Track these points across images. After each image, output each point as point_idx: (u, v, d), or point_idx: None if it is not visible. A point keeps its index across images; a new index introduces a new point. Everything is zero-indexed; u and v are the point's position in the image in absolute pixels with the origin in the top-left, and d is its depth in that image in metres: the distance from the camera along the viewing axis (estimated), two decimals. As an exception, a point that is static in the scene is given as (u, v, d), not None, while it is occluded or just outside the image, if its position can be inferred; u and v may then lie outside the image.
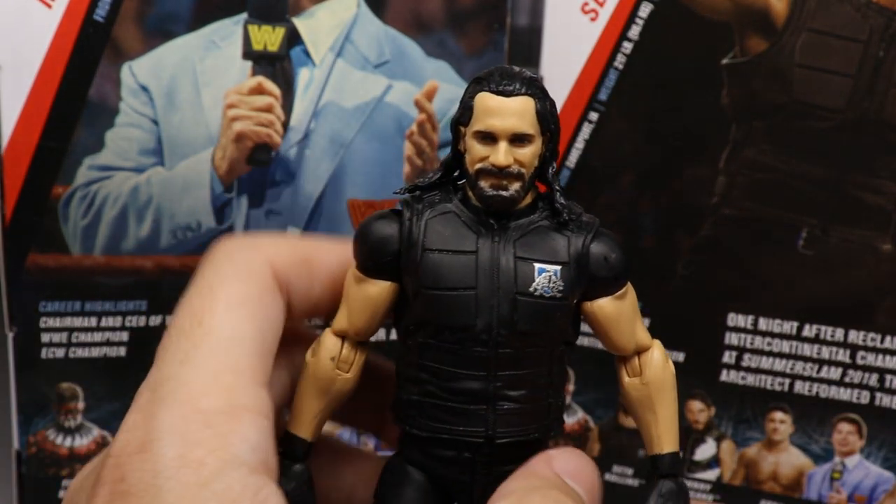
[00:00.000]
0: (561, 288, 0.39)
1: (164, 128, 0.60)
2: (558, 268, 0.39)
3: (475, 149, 0.40)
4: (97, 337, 0.61)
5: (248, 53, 0.61)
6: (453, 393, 0.40)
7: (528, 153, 0.39)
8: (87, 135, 0.59)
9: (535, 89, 0.40)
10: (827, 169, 0.62)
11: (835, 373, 0.64)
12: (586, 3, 0.63)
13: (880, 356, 0.64)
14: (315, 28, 0.62)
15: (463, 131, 0.40)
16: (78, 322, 0.61)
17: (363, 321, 0.41)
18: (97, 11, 0.57)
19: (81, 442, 0.62)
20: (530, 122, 0.39)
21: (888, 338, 0.63)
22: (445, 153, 0.66)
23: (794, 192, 0.63)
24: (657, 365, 0.42)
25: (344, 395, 0.42)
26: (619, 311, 0.41)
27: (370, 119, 0.64)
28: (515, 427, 0.40)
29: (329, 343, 0.41)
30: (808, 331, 0.64)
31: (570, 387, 0.68)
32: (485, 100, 0.39)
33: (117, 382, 0.62)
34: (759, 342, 0.65)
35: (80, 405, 0.62)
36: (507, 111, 0.39)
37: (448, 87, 0.64)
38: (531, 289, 0.39)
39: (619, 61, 0.64)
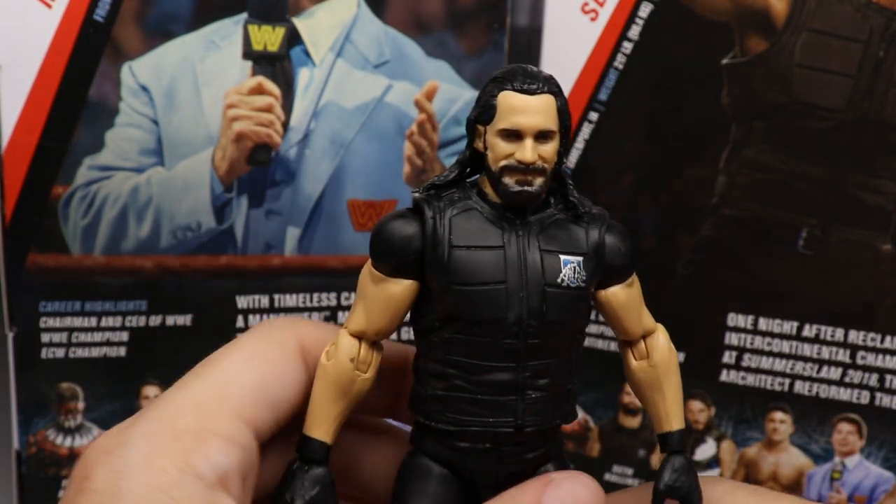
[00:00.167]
0: (584, 277, 0.41)
1: (164, 128, 0.60)
2: (581, 258, 0.41)
3: (499, 146, 0.40)
4: (97, 337, 0.61)
5: (248, 53, 0.61)
6: (483, 385, 0.41)
7: (551, 149, 0.41)
8: (87, 135, 0.59)
9: (555, 87, 0.41)
10: (827, 169, 0.62)
11: (835, 373, 0.64)
12: (586, 3, 0.63)
13: (880, 356, 0.63)
14: (315, 28, 0.62)
15: (482, 130, 0.41)
16: (78, 322, 0.61)
17: (384, 321, 0.42)
18: (97, 11, 0.57)
19: (81, 442, 0.62)
20: (553, 119, 0.41)
21: (888, 338, 0.63)
22: (445, 153, 0.67)
23: (794, 192, 0.63)
24: (663, 348, 0.43)
25: (362, 395, 0.42)
26: (629, 297, 0.43)
27: (370, 119, 0.64)
28: (541, 415, 0.41)
29: (347, 344, 0.42)
30: (808, 331, 0.64)
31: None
32: (509, 98, 0.40)
33: (117, 382, 0.62)
34: (759, 342, 0.65)
35: (80, 405, 0.62)
36: (533, 109, 0.40)
37: (448, 87, 0.64)
38: (559, 280, 0.40)
39: (619, 61, 0.64)
